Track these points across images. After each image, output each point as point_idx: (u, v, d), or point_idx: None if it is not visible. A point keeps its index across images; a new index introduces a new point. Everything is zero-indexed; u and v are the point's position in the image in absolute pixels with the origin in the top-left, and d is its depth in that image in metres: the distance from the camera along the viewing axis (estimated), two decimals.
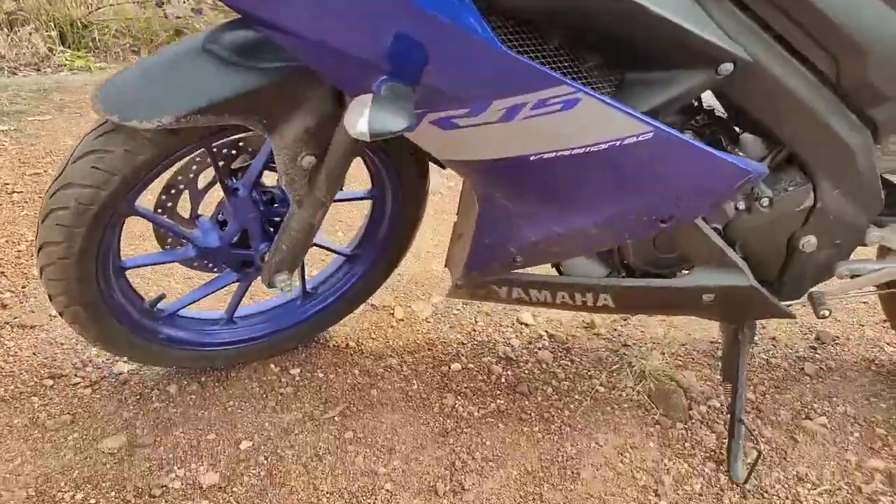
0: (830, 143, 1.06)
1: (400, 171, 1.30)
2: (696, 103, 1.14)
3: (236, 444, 1.25)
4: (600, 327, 1.67)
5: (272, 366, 1.45)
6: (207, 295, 1.35)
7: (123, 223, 1.16)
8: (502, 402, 1.38)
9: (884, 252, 1.24)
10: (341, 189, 1.33)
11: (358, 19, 0.85)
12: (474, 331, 1.63)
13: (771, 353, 1.63)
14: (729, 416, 1.27)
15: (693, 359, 1.57)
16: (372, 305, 1.70)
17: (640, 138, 0.94)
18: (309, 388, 1.39)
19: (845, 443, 1.33)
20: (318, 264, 1.75)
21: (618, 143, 0.94)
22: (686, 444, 1.29)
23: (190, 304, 1.35)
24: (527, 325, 1.67)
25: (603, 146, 0.94)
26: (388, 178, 1.32)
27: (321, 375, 1.43)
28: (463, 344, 1.58)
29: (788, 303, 1.21)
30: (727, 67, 0.96)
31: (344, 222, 2.08)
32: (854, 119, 1.06)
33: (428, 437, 1.28)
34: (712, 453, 1.27)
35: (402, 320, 1.66)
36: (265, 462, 1.21)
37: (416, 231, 1.44)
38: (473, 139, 0.95)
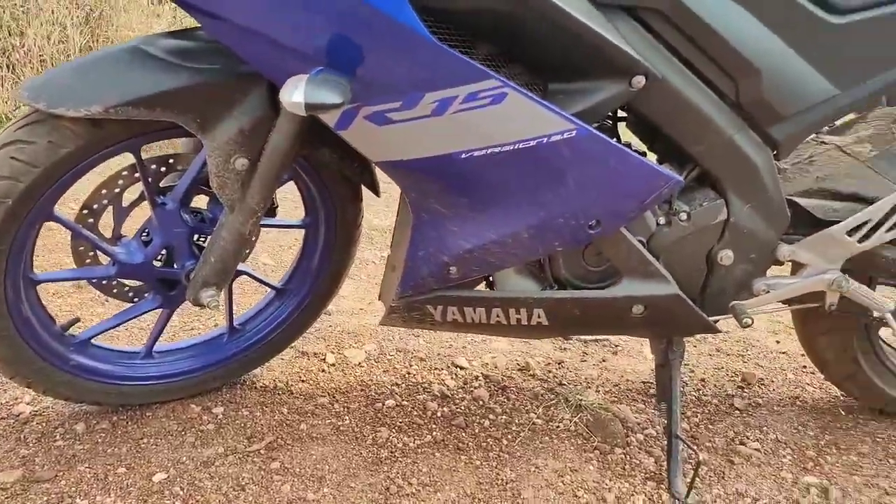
0: (736, 160, 1.15)
1: (333, 196, 1.30)
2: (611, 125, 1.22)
3: (149, 476, 1.14)
4: (535, 369, 1.66)
5: (193, 405, 1.36)
6: (125, 322, 1.28)
7: (40, 229, 1.10)
8: (438, 433, 1.34)
9: (797, 268, 1.31)
10: (274, 207, 1.33)
11: (294, 9, 0.89)
12: (409, 374, 1.59)
13: (701, 391, 1.65)
14: (666, 436, 1.26)
15: (627, 395, 1.57)
16: (302, 352, 1.64)
17: (564, 136, 0.99)
18: (232, 425, 1.31)
19: (779, 464, 1.34)
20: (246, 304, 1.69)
21: (544, 140, 0.99)
22: (626, 467, 1.27)
23: (105, 331, 1.27)
24: (462, 367, 1.64)
25: (531, 143, 0.99)
26: (321, 203, 1.32)
27: (246, 413, 1.35)
28: (397, 385, 1.53)
29: (715, 318, 1.25)
30: (640, 80, 1.04)
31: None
32: (756, 138, 1.15)
33: (361, 465, 1.21)
34: (652, 474, 1.25)
35: (334, 365, 1.60)
36: (181, 493, 1.11)
37: (349, 266, 1.43)
38: (406, 136, 0.98)
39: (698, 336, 2.01)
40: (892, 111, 1.32)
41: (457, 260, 1.14)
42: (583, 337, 1.89)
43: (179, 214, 1.19)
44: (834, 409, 1.60)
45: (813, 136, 1.40)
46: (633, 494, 1.18)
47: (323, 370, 1.57)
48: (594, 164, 1.03)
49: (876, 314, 1.27)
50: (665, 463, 1.25)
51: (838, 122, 1.40)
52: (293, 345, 1.66)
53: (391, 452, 1.25)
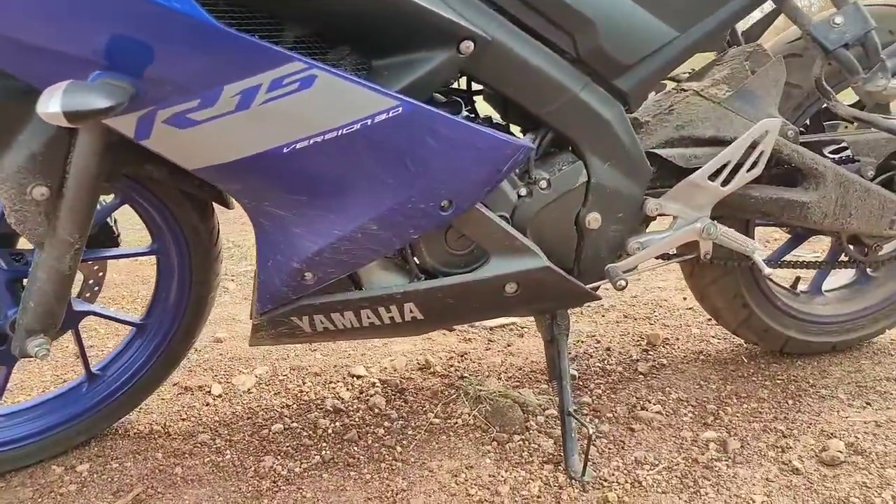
0: (587, 118, 1.10)
1: (176, 215, 1.19)
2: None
3: None
4: (436, 366, 1.59)
5: (54, 466, 1.22)
6: None
7: None
8: (328, 452, 1.24)
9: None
10: (115, 235, 1.21)
11: (59, 9, 0.78)
12: (301, 392, 1.50)
13: (605, 361, 1.62)
14: (559, 414, 1.21)
15: (531, 378, 1.52)
16: (185, 388, 1.52)
17: (390, 114, 0.91)
18: (98, 481, 1.18)
19: (680, 424, 1.31)
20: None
21: (368, 121, 0.91)
22: (524, 454, 1.20)
23: None
24: (359, 376, 1.56)
25: (355, 126, 0.91)
26: (166, 226, 1.21)
27: (115, 466, 1.23)
28: (288, 406, 1.43)
29: (593, 285, 1.20)
30: (468, 45, 0.97)
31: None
32: (603, 92, 1.11)
33: (238, 502, 1.11)
34: (551, 456, 1.19)
35: (220, 396, 1.49)
36: None
37: (213, 289, 1.32)
38: (217, 136, 0.89)
39: (606, 305, 1.99)
40: (744, 48, 1.31)
41: (308, 264, 1.05)
42: (486, 324, 1.84)
43: None
44: (737, 359, 1.60)
45: (673, 84, 1.37)
46: (528, 482, 1.11)
47: (207, 404, 1.46)
48: (430, 141, 0.96)
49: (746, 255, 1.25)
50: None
51: (698, 68, 1.38)
52: (175, 381, 1.54)
53: (273, 482, 1.15)
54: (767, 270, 1.21)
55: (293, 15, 0.93)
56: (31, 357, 1.04)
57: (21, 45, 0.80)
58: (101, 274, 1.27)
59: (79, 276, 1.24)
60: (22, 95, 0.90)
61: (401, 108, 0.92)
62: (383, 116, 0.91)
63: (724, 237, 1.19)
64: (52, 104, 0.71)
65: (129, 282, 2.31)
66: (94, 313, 1.24)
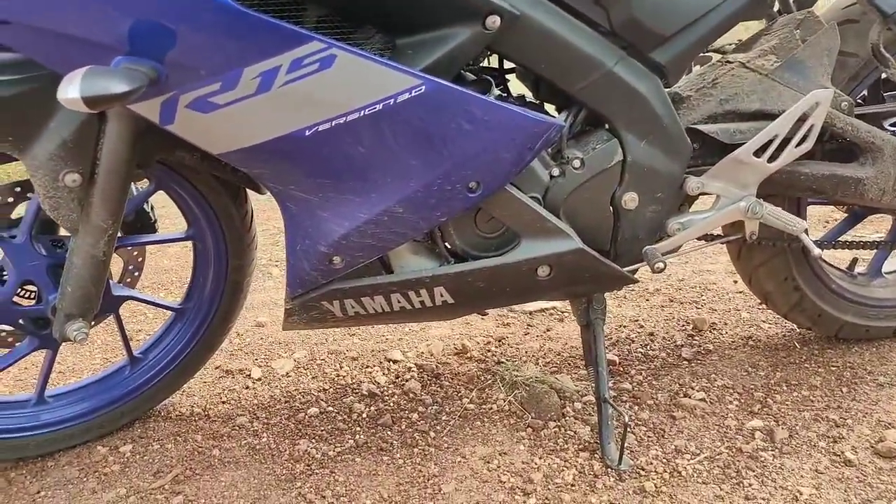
0: (622, 93, 1.06)
1: (210, 201, 1.20)
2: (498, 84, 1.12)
3: None
4: (472, 350, 1.57)
5: (99, 447, 1.26)
6: (4, 368, 1.18)
7: None
8: (361, 437, 1.24)
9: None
10: (152, 221, 1.23)
11: None
12: (338, 376, 1.50)
13: (648, 346, 1.57)
14: (596, 401, 1.17)
15: (569, 363, 1.49)
16: (226, 371, 1.54)
17: (413, 93, 0.89)
18: (140, 462, 1.21)
19: (724, 412, 1.25)
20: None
21: (391, 101, 0.89)
22: (559, 441, 1.18)
23: None
24: (395, 361, 1.55)
25: (378, 106, 0.89)
26: (200, 212, 1.22)
27: (157, 447, 1.25)
28: (324, 390, 1.44)
29: (630, 268, 1.16)
30: (494, 21, 0.94)
31: None
32: (639, 66, 1.06)
33: (272, 485, 1.12)
34: (587, 444, 1.16)
35: (260, 379, 1.51)
36: None
37: (249, 274, 1.33)
38: (239, 120, 0.88)
39: (651, 288, 1.94)
40: (794, 16, 1.23)
41: (336, 248, 1.04)
42: (525, 308, 1.80)
43: (31, 246, 1.08)
44: (788, 344, 1.52)
45: (718, 56, 1.30)
46: (563, 469, 1.09)
47: (247, 387, 1.48)
48: (455, 120, 0.94)
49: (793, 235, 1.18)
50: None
51: (745, 38, 1.31)
52: (217, 364, 1.57)
53: (307, 465, 1.16)
54: (816, 252, 1.14)
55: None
56: (71, 341, 1.07)
57: (44, 32, 0.81)
58: (140, 259, 1.29)
59: (119, 262, 1.27)
60: (51, 84, 0.92)
61: (424, 87, 0.89)
62: (406, 96, 0.89)
63: (770, 216, 1.13)
64: (71, 90, 0.71)
65: (178, 267, 2.37)
66: (134, 298, 1.27)
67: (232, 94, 0.85)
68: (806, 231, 1.15)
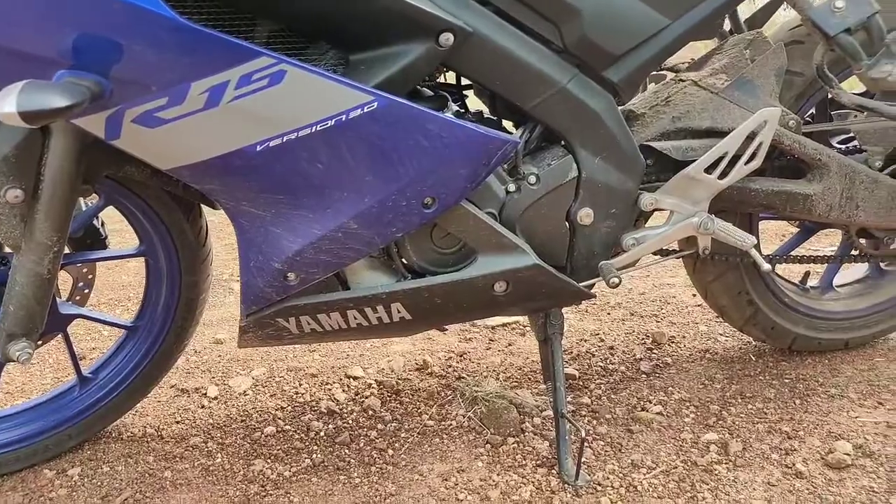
0: (575, 111, 1.07)
1: (162, 217, 1.18)
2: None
3: None
4: (433, 366, 1.57)
5: (46, 471, 1.22)
6: None
7: None
8: (318, 456, 1.22)
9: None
10: (102, 237, 1.21)
11: (22, 10, 0.77)
12: (297, 394, 1.48)
13: (608, 360, 1.58)
14: (554, 416, 1.18)
15: (530, 378, 1.49)
16: (181, 390, 1.51)
17: (364, 109, 0.89)
18: (88, 485, 1.17)
19: (680, 425, 1.26)
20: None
21: (343, 117, 0.89)
22: (517, 457, 1.17)
23: None
24: (355, 377, 1.53)
25: (329, 122, 0.89)
26: (151, 228, 1.20)
27: (106, 469, 1.22)
28: (282, 408, 1.41)
29: (587, 283, 1.17)
30: (447, 38, 0.95)
31: None
32: (592, 84, 1.07)
33: None
34: (545, 460, 1.16)
35: (216, 398, 1.48)
36: None
37: (204, 291, 1.30)
38: (187, 135, 0.87)
39: (612, 302, 1.95)
40: (745, 36, 1.26)
41: (290, 264, 1.03)
42: (488, 322, 1.80)
43: None
44: (744, 357, 1.55)
45: (671, 75, 1.33)
46: (520, 486, 1.08)
47: (202, 406, 1.44)
48: (409, 137, 0.93)
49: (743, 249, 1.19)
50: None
51: (697, 57, 1.34)
52: (172, 383, 1.54)
53: (262, 486, 1.14)
54: (766, 267, 1.17)
55: (265, 9, 0.91)
56: (14, 361, 1.03)
57: None
58: (90, 276, 1.26)
59: (69, 279, 1.24)
60: None
61: (376, 104, 0.89)
62: (358, 112, 0.89)
63: (721, 232, 1.15)
64: (7, 104, 0.69)
65: (137, 283, 2.32)
66: (83, 316, 1.23)
67: (179, 108, 0.84)
68: (756, 246, 1.17)
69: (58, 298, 1.17)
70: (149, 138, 0.87)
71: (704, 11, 1.08)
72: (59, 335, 1.22)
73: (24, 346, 1.03)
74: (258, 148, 0.89)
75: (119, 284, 2.30)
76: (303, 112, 0.87)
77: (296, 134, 0.89)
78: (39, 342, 1.12)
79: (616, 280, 1.12)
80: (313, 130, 0.89)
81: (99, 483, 1.18)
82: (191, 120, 0.85)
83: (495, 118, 1.17)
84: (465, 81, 1.17)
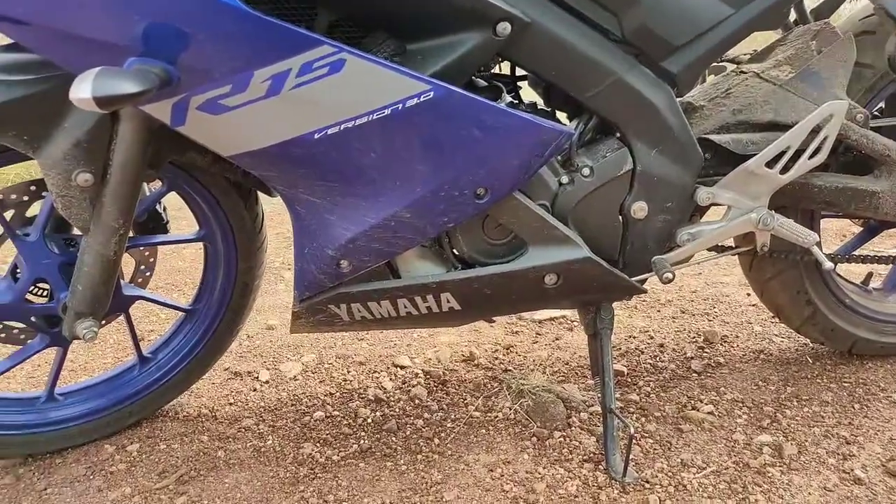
0: (632, 102, 1.05)
1: (221, 203, 1.21)
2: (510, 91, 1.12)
3: None
4: (480, 358, 1.57)
5: (107, 446, 1.27)
6: (16, 365, 1.20)
7: None
8: (366, 442, 1.24)
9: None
10: (164, 222, 1.24)
11: (94, 1, 0.80)
12: (345, 381, 1.50)
13: (658, 357, 1.55)
14: (602, 411, 1.16)
15: (577, 373, 1.48)
16: (234, 373, 1.55)
17: (421, 98, 0.89)
18: (146, 461, 1.22)
19: (733, 426, 1.24)
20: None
21: (399, 106, 0.89)
22: (563, 451, 1.17)
23: None
24: (402, 367, 1.55)
25: (386, 111, 0.90)
26: (211, 213, 1.23)
27: (163, 447, 1.26)
28: (331, 394, 1.44)
29: (639, 278, 1.15)
30: (504, 27, 0.94)
31: None
32: (651, 74, 1.05)
33: (276, 488, 1.12)
34: (592, 455, 1.15)
35: (267, 382, 1.51)
36: None
37: (258, 276, 1.34)
38: (249, 122, 0.89)
39: (662, 299, 1.92)
40: (810, 27, 1.22)
41: (343, 251, 1.04)
42: (535, 316, 1.80)
43: (45, 244, 1.10)
44: (800, 359, 1.50)
45: (732, 66, 1.30)
46: (566, 480, 1.08)
47: (255, 389, 1.48)
48: (464, 126, 0.93)
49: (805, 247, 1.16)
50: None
51: (761, 48, 1.30)
52: (226, 366, 1.58)
53: (311, 469, 1.16)
54: (828, 265, 1.13)
55: (327, 1, 0.92)
56: (80, 339, 1.08)
57: (59, 33, 0.82)
58: (151, 259, 1.30)
59: (131, 262, 1.29)
60: (65, 84, 0.93)
61: (432, 93, 0.89)
62: (414, 101, 0.89)
63: (781, 228, 1.11)
64: (82, 89, 0.72)
65: (192, 268, 2.39)
66: (144, 298, 1.28)
67: (242, 96, 0.86)
68: (818, 244, 1.13)
69: (121, 280, 1.22)
70: (212, 125, 0.89)
71: (769, 1, 1.05)
72: (122, 316, 1.27)
73: (89, 325, 1.08)
74: (316, 136, 0.91)
75: (175, 269, 2.37)
76: (361, 100, 0.88)
77: (353, 122, 0.90)
78: (103, 322, 1.16)
79: (669, 276, 1.10)
80: (370, 119, 0.90)
81: (156, 459, 1.22)
82: (253, 107, 0.87)
83: (549, 110, 1.16)
84: (519, 72, 1.17)
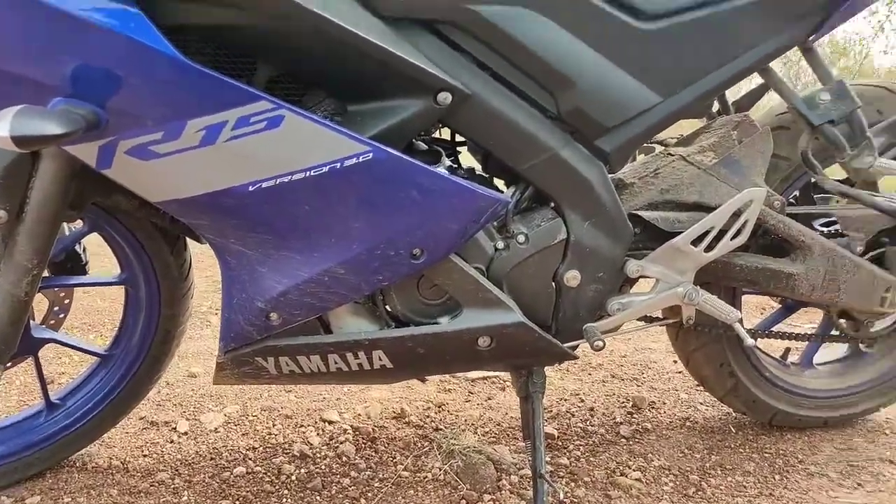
0: (568, 176, 1.08)
1: (147, 248, 1.17)
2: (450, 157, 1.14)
3: None
4: (411, 415, 1.54)
5: (4, 497, 1.18)
6: None
7: None
8: (288, 501, 1.19)
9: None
10: (83, 263, 1.19)
11: (25, 38, 0.78)
12: (269, 434, 1.45)
13: (588, 421, 1.56)
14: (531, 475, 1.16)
15: (508, 434, 1.47)
16: (151, 422, 1.48)
17: (360, 159, 0.90)
18: None
19: (659, 493, 1.25)
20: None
21: (338, 164, 0.89)
22: None
23: None
24: (331, 421, 1.51)
25: (324, 169, 0.89)
26: (135, 257, 1.19)
27: (68, 500, 1.18)
28: (254, 448, 1.38)
29: (571, 344, 1.16)
30: (445, 97, 0.96)
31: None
32: (584, 151, 1.09)
33: None
34: None
35: (186, 433, 1.45)
36: None
37: (182, 324, 1.29)
38: (180, 169, 0.87)
39: (593, 363, 1.94)
40: (732, 118, 1.29)
41: (273, 304, 1.02)
42: (468, 374, 1.79)
43: None
44: (724, 428, 1.54)
45: (661, 148, 1.35)
46: None
47: (171, 441, 1.41)
48: (402, 188, 0.94)
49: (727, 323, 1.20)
50: None
51: (686, 133, 1.37)
52: (142, 415, 1.50)
53: None
54: (749, 342, 1.17)
55: (267, 54, 0.92)
56: None
57: None
58: (66, 301, 1.25)
59: (44, 302, 1.22)
60: None
61: (371, 154, 0.90)
62: (353, 161, 0.90)
63: (705, 304, 1.15)
64: (0, 127, 0.69)
65: (112, 309, 2.29)
66: (56, 341, 1.22)
67: (174, 144, 0.84)
68: (740, 321, 1.17)
69: (31, 321, 1.16)
70: (141, 170, 0.87)
71: (695, 92, 1.11)
72: (30, 358, 1.20)
73: None
74: (250, 188, 0.90)
75: (94, 309, 2.27)
76: (298, 157, 0.88)
77: (290, 177, 0.89)
78: (9, 364, 1.10)
79: (600, 343, 1.12)
80: (307, 175, 0.89)
81: None
82: (185, 156, 0.85)
83: (487, 176, 1.18)
84: (459, 138, 1.19)
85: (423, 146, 1.13)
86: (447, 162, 1.11)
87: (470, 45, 0.98)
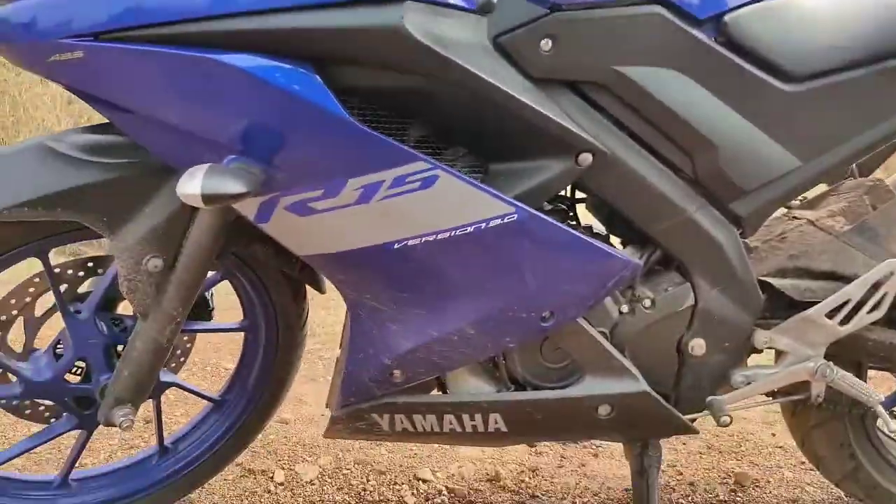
0: (699, 240, 1.07)
1: (272, 295, 1.20)
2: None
3: None
4: (506, 479, 1.51)
5: None
6: (38, 446, 1.14)
7: None
8: None
9: (779, 356, 1.19)
10: (210, 309, 1.22)
11: (205, 98, 0.82)
12: (365, 490, 1.44)
13: (690, 497, 1.50)
14: None
15: None
16: (248, 470, 1.49)
17: (505, 220, 0.90)
18: None
19: None
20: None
21: (483, 225, 0.90)
22: None
23: (12, 458, 1.12)
24: (425, 480, 1.49)
25: (469, 229, 0.90)
26: (259, 304, 1.22)
27: None
28: None
29: (691, 416, 1.13)
30: (586, 158, 0.97)
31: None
32: (718, 214, 1.07)
33: None
34: None
35: (282, 484, 1.44)
36: None
37: (294, 372, 1.30)
38: (332, 226, 0.89)
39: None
40: (863, 181, 1.26)
41: (399, 361, 1.02)
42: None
43: (94, 323, 1.07)
44: None
45: (784, 211, 1.33)
46: None
47: (269, 490, 1.41)
48: (541, 250, 0.94)
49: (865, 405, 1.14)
50: None
51: (809, 196, 1.33)
52: (239, 461, 1.51)
53: None
54: (894, 426, 1.11)
55: (422, 115, 0.95)
56: (115, 426, 1.03)
57: (162, 125, 0.84)
58: (189, 346, 1.28)
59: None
60: (149, 170, 0.94)
61: (516, 215, 0.91)
62: (498, 222, 0.90)
63: (841, 381, 1.10)
64: (191, 185, 0.73)
65: (201, 349, 2.34)
66: (178, 385, 1.24)
67: (332, 201, 0.87)
68: (882, 403, 1.12)
69: None
70: (296, 225, 0.89)
71: (837, 156, 1.08)
72: (151, 402, 1.23)
73: (127, 413, 1.04)
74: (396, 246, 0.91)
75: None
76: (446, 216, 0.89)
77: (434, 237, 0.91)
78: None
79: (727, 419, 1.08)
80: (451, 235, 0.91)
81: None
82: (340, 213, 0.87)
83: (605, 234, 1.17)
84: (578, 194, 1.19)
85: (548, 205, 1.13)
86: (570, 221, 1.11)
87: (612, 105, 0.99)
